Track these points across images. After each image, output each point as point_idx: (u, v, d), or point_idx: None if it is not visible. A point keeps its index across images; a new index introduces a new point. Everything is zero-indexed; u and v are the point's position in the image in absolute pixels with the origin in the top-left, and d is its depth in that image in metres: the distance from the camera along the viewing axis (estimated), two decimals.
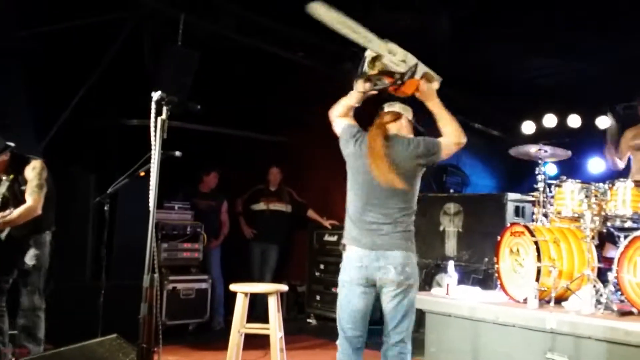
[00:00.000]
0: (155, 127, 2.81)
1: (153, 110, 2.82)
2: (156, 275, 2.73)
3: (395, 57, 2.98)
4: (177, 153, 3.43)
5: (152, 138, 2.81)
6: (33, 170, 4.11)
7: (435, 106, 3.11)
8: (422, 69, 3.07)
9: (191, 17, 5.59)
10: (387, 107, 3.27)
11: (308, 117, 7.36)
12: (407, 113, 3.24)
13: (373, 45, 2.97)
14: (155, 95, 2.84)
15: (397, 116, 3.21)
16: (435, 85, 3.15)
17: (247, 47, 6.25)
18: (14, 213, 3.95)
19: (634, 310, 4.07)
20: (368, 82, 3.06)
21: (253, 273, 6.83)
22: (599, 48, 6.44)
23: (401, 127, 3.20)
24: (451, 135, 3.06)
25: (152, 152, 2.81)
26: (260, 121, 7.61)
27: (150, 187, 2.79)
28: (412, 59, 3.03)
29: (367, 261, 3.01)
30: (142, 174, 4.06)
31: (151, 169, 2.80)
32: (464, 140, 3.06)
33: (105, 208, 4.41)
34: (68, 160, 5.71)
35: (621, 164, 5.43)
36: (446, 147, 3.08)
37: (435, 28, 6.13)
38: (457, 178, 8.03)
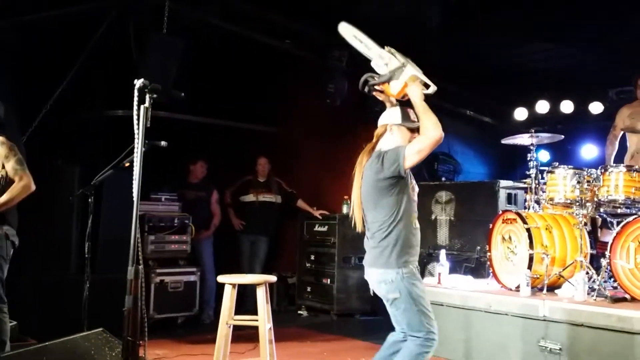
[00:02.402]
0: (139, 115, 2.73)
1: (136, 99, 2.74)
2: (141, 267, 2.66)
3: (382, 60, 3.11)
4: (163, 143, 3.36)
5: (135, 127, 2.73)
6: (2, 146, 3.74)
7: (415, 106, 3.03)
8: (409, 72, 3.07)
9: (176, 4, 5.49)
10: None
11: (297, 107, 7.28)
12: (393, 118, 3.12)
13: (371, 52, 3.15)
14: (138, 82, 2.74)
15: (382, 130, 3.15)
16: (419, 88, 3.05)
17: (234, 35, 6.15)
18: (6, 195, 3.62)
19: (627, 296, 4.06)
20: (365, 84, 3.18)
21: (243, 265, 6.75)
22: (592, 34, 6.41)
23: (389, 139, 3.11)
24: (423, 131, 2.93)
25: (136, 141, 2.72)
26: (249, 111, 7.51)
27: (134, 177, 2.71)
28: (394, 63, 3.09)
29: (366, 275, 3.15)
30: (127, 165, 3.96)
31: (134, 159, 2.72)
32: (432, 134, 2.88)
33: (90, 200, 4.30)
34: (52, 152, 5.58)
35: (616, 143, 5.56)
36: (413, 149, 2.92)
37: (427, 15, 6.09)
38: (449, 166, 7.98)
